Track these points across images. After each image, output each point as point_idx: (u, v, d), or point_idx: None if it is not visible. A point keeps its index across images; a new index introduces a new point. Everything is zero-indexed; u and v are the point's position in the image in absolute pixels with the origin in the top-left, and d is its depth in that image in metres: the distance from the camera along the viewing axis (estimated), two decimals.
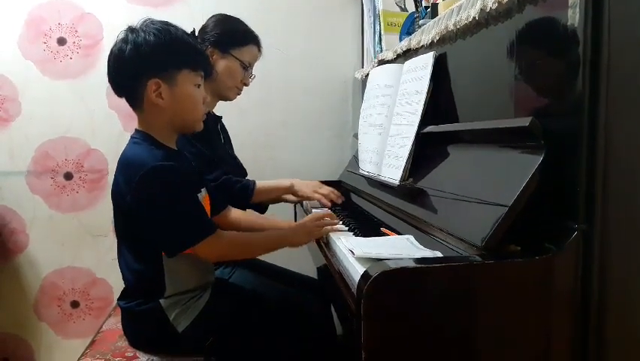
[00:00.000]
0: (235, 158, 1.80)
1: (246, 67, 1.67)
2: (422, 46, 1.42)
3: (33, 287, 2.33)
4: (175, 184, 1.16)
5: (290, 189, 1.73)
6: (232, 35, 1.65)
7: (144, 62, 1.17)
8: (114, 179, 1.22)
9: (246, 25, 1.69)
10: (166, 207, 1.15)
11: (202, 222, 1.19)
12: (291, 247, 1.35)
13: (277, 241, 1.34)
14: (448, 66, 1.28)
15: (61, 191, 2.30)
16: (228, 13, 1.71)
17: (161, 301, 1.21)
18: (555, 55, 0.90)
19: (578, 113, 0.83)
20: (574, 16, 0.82)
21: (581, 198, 0.83)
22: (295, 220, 1.72)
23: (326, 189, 1.70)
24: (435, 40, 1.32)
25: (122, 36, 1.19)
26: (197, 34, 1.59)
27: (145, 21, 1.20)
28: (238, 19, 1.70)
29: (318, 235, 1.33)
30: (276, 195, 1.75)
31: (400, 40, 1.74)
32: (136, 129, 1.25)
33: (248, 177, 1.78)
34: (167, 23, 1.21)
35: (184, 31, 1.25)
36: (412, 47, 1.50)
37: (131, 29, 1.19)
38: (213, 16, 1.69)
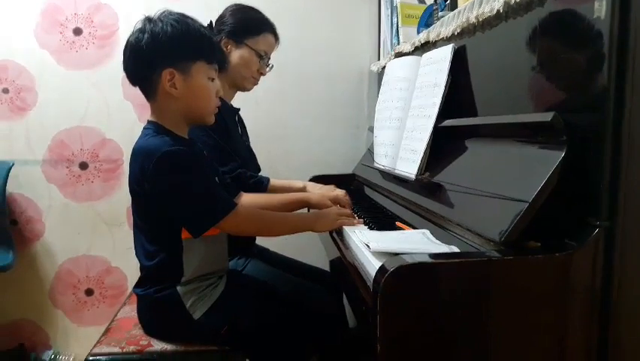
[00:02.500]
0: (251, 151, 1.80)
1: (262, 56, 1.65)
2: (441, 38, 1.40)
3: (49, 275, 2.36)
4: (189, 166, 1.18)
5: (302, 191, 1.73)
6: (247, 25, 1.64)
7: (160, 52, 1.18)
8: (130, 169, 1.24)
9: (262, 14, 1.68)
10: (185, 189, 1.17)
11: (222, 199, 1.22)
12: (313, 232, 1.36)
13: (300, 224, 1.36)
14: (467, 59, 1.27)
15: (77, 180, 2.32)
16: (245, 3, 1.70)
17: (179, 288, 1.24)
18: (579, 49, 0.88)
19: (602, 108, 0.82)
20: (600, 9, 0.81)
21: (604, 195, 0.82)
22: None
23: (336, 194, 1.63)
24: (455, 33, 1.30)
25: (139, 26, 1.20)
26: (213, 25, 1.59)
27: (163, 12, 1.22)
28: (254, 8, 1.69)
29: (340, 225, 1.34)
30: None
31: (418, 32, 1.72)
32: (148, 120, 1.27)
33: (262, 171, 1.79)
34: (184, 15, 1.23)
35: (201, 24, 1.26)
36: (430, 39, 1.48)
37: (148, 19, 1.21)
38: (230, 6, 1.68)
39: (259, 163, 1.83)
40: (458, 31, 1.28)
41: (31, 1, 2.22)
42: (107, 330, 1.38)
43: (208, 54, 1.24)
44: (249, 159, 1.76)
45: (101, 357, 1.25)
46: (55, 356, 2.31)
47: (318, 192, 1.67)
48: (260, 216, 1.31)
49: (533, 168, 0.89)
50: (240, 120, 1.80)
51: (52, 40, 2.25)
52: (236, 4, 1.69)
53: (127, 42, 1.22)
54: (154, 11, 1.22)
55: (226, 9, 1.68)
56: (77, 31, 2.26)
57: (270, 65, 1.71)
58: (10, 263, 2.08)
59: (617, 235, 0.82)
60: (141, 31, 1.19)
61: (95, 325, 2.35)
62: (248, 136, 1.86)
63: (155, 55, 1.18)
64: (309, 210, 1.59)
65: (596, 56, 0.82)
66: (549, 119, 0.85)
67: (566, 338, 0.85)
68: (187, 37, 1.20)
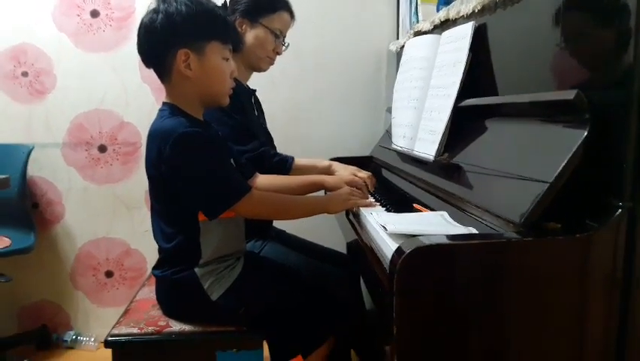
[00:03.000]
0: (268, 133, 1.79)
1: (278, 35, 1.63)
2: (461, 16, 1.37)
3: (69, 257, 2.39)
4: (205, 148, 1.18)
5: (327, 170, 1.70)
6: (261, 3, 1.61)
7: (175, 32, 1.18)
8: (146, 151, 1.24)
9: None
10: (200, 172, 1.17)
11: (237, 182, 1.22)
12: (327, 214, 1.35)
13: (314, 206, 1.36)
14: (487, 37, 1.24)
15: (96, 163, 2.34)
16: None
17: (196, 270, 1.24)
18: (603, 25, 0.86)
19: (626, 85, 0.80)
20: None
21: (627, 175, 0.80)
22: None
23: (364, 174, 1.63)
24: (476, 11, 1.27)
25: (153, 6, 1.20)
26: (228, 5, 1.57)
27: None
28: None
29: (353, 205, 1.33)
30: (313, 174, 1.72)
31: (438, 10, 1.68)
32: (163, 102, 1.27)
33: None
34: None
35: (215, 4, 1.25)
36: (450, 17, 1.45)
37: (162, 0, 1.19)
38: None
39: (276, 145, 1.82)
40: (479, 8, 1.25)
41: None
42: (126, 311, 1.40)
43: (222, 34, 1.24)
44: (267, 142, 1.75)
45: (120, 338, 1.27)
46: (77, 337, 2.35)
47: (341, 173, 1.65)
48: (273, 199, 1.31)
49: (555, 148, 0.87)
50: (257, 102, 1.79)
51: (70, 23, 2.25)
52: None
53: (141, 22, 1.21)
54: None
55: None
56: (94, 14, 2.26)
57: (286, 44, 1.69)
58: (32, 245, 2.12)
59: (639, 217, 0.80)
60: (155, 11, 1.19)
61: (115, 306, 2.39)
62: (265, 118, 1.85)
63: (170, 35, 1.18)
64: (325, 193, 1.59)
65: (621, 31, 0.80)
66: (572, 97, 0.83)
67: (586, 319, 0.84)
68: (201, 17, 1.19)
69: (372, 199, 1.42)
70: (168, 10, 1.17)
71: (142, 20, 1.21)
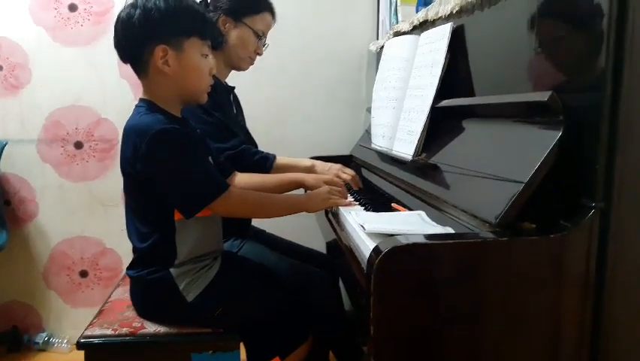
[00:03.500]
0: (247, 130, 1.78)
1: (260, 36, 1.63)
2: (440, 17, 1.38)
3: (43, 256, 2.35)
4: (182, 145, 1.16)
5: (309, 170, 1.69)
6: (245, 3, 1.60)
7: (153, 28, 1.16)
8: (122, 148, 1.22)
9: None
10: (177, 170, 1.16)
11: (215, 180, 1.20)
12: (307, 212, 1.33)
13: (292, 205, 1.34)
14: (465, 38, 1.25)
15: (72, 160, 2.30)
16: None
17: (172, 270, 1.23)
18: (577, 28, 0.87)
19: (599, 88, 0.81)
20: None
21: (600, 176, 0.81)
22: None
23: (348, 174, 1.64)
24: (454, 12, 1.28)
25: (130, 1, 1.18)
26: (209, 2, 1.56)
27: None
28: None
29: (332, 204, 1.33)
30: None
31: (417, 11, 1.69)
32: (140, 98, 1.25)
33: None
34: None
35: (202, 3, 1.23)
36: (429, 18, 1.46)
37: None
38: None
39: (257, 144, 1.81)
40: (457, 9, 1.26)
41: None
42: (100, 312, 1.38)
43: (201, 30, 1.22)
44: (246, 139, 1.74)
45: (93, 339, 1.25)
46: (49, 339, 2.30)
47: (325, 172, 1.65)
48: (251, 198, 1.29)
49: (530, 149, 0.88)
50: (236, 99, 1.78)
51: (47, 16, 2.21)
52: None
53: (118, 17, 1.19)
54: None
55: None
56: (72, 8, 2.22)
57: (266, 45, 1.69)
58: (3, 244, 2.08)
59: (612, 217, 0.81)
60: (133, 6, 1.17)
61: (89, 307, 2.35)
62: (244, 116, 1.83)
63: (147, 31, 1.16)
64: (305, 192, 1.58)
65: (595, 35, 0.81)
66: (545, 98, 0.84)
67: (560, 318, 0.85)
68: (180, 13, 1.18)
69: (351, 199, 1.42)
70: (146, 5, 1.16)
71: (119, 15, 1.19)
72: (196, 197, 1.17)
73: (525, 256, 0.83)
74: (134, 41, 1.19)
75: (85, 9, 2.22)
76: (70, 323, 2.37)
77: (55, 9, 2.21)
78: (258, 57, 1.69)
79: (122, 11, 1.19)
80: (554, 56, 0.93)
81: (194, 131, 1.32)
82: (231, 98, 1.74)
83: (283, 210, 1.33)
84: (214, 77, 1.30)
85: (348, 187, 1.58)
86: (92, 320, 1.33)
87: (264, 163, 1.62)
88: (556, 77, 0.93)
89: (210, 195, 1.17)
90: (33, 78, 2.23)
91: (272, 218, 1.36)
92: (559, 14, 0.92)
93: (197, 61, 1.22)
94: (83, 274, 2.38)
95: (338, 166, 1.68)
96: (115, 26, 1.20)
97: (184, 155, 1.16)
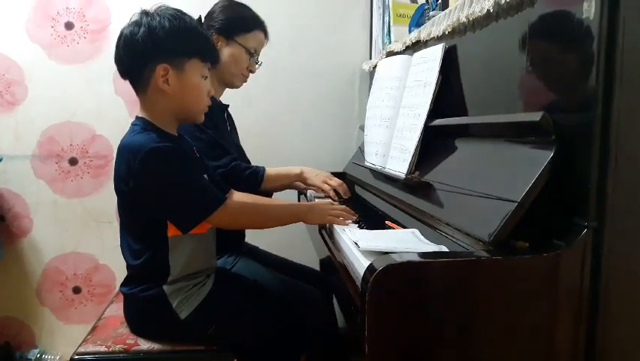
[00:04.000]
0: (240, 148, 1.79)
1: (252, 54, 1.65)
2: (432, 38, 1.40)
3: (36, 272, 2.33)
4: (175, 161, 1.17)
5: (299, 177, 1.72)
6: (237, 22, 1.62)
7: (156, 46, 1.17)
8: (115, 166, 1.23)
9: (252, 11, 1.66)
10: (173, 184, 1.16)
11: (211, 193, 1.21)
12: (303, 225, 1.34)
13: (292, 214, 1.34)
14: (457, 59, 1.26)
15: (66, 176, 2.30)
16: (236, 0, 1.69)
17: (165, 287, 1.22)
18: (568, 49, 0.89)
19: (590, 108, 0.82)
20: (589, 9, 0.81)
21: (592, 196, 0.82)
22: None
23: (335, 182, 1.68)
24: (446, 32, 1.30)
25: (135, 18, 1.19)
26: (203, 21, 1.58)
27: (160, 6, 1.21)
28: (244, 4, 1.68)
29: (331, 221, 1.31)
30: (285, 183, 1.73)
31: (410, 31, 1.72)
32: (137, 116, 1.25)
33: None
34: (181, 12, 1.23)
35: (198, 22, 1.25)
36: (421, 38, 1.48)
37: (145, 13, 1.20)
38: (220, 1, 1.67)
39: (250, 160, 1.82)
40: (449, 30, 1.28)
41: None
42: (94, 329, 1.37)
43: (203, 52, 1.24)
44: (239, 157, 1.75)
45: (87, 356, 1.24)
46: (41, 355, 2.28)
47: (312, 179, 1.69)
48: (249, 208, 1.29)
49: (522, 168, 0.89)
50: (229, 117, 1.79)
51: (44, 34, 2.22)
52: (226, 0, 1.67)
53: (121, 34, 1.20)
54: (146, 6, 1.21)
55: (216, 4, 1.67)
56: (69, 26, 2.23)
57: (259, 63, 1.71)
58: None
59: (604, 236, 0.82)
60: (137, 24, 1.18)
61: (82, 323, 2.33)
62: (237, 133, 1.84)
63: (151, 49, 1.17)
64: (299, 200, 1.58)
65: (585, 56, 0.82)
66: (537, 118, 0.85)
67: (554, 337, 0.85)
68: (184, 34, 1.19)
69: (349, 221, 1.41)
70: (151, 24, 1.17)
71: (122, 32, 1.20)
72: (193, 210, 1.18)
73: (519, 275, 0.83)
74: (136, 58, 1.19)
75: (81, 27, 2.23)
76: (63, 339, 2.35)
77: (52, 27, 2.22)
78: (251, 75, 1.71)
79: (125, 28, 1.20)
80: (545, 76, 0.94)
81: (189, 148, 1.33)
82: (225, 115, 1.75)
83: (282, 219, 1.33)
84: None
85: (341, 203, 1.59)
86: (86, 337, 1.32)
87: (255, 177, 1.63)
88: (548, 96, 0.94)
89: (208, 207, 1.18)
90: (29, 95, 2.24)
91: (270, 228, 1.35)
92: (549, 35, 0.93)
93: (197, 82, 1.23)
94: (76, 290, 2.37)
95: (326, 173, 1.71)
96: (117, 42, 1.21)
97: (178, 170, 1.17)
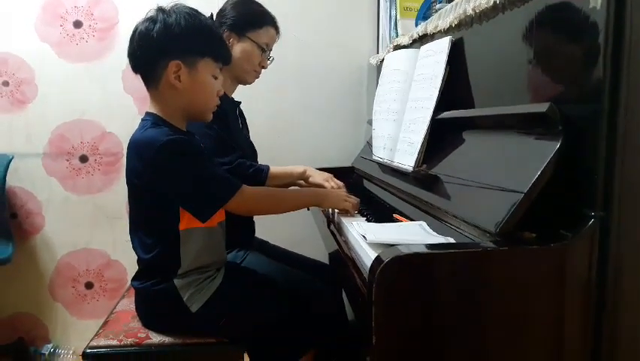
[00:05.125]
0: (251, 144, 1.80)
1: (264, 49, 1.65)
2: (439, 31, 1.40)
3: (48, 268, 2.36)
4: (191, 152, 1.19)
5: (302, 175, 1.74)
6: (249, 18, 1.63)
7: (171, 43, 1.19)
8: (127, 161, 1.24)
9: (263, 7, 1.67)
10: (189, 175, 1.17)
11: (227, 180, 1.22)
12: (320, 207, 1.38)
13: (308, 198, 1.39)
14: (464, 51, 1.26)
15: (77, 173, 2.32)
16: None
17: (176, 280, 1.23)
18: (575, 40, 0.88)
19: (597, 99, 0.82)
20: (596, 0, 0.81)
21: (599, 186, 0.82)
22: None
23: (337, 183, 1.68)
24: (453, 25, 1.30)
25: (151, 14, 1.21)
26: (214, 18, 1.59)
27: (175, 4, 1.23)
28: (254, 1, 1.69)
29: (347, 207, 1.37)
30: (289, 181, 1.74)
31: (416, 25, 1.72)
32: (147, 112, 1.27)
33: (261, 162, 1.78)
34: (196, 11, 1.24)
35: (212, 22, 1.26)
36: (428, 31, 1.48)
37: (161, 10, 1.21)
38: None
39: (259, 156, 1.83)
40: (455, 23, 1.28)
41: None
42: (106, 323, 1.39)
43: (216, 52, 1.25)
44: (250, 153, 1.76)
45: (99, 350, 1.26)
46: (55, 350, 2.31)
47: (315, 178, 1.70)
48: (266, 193, 1.33)
49: (529, 159, 0.89)
50: (241, 113, 1.80)
51: (53, 33, 2.24)
52: None
53: (136, 29, 1.21)
54: (154, 4, 1.22)
55: (227, 2, 1.67)
56: (77, 24, 2.25)
57: (271, 58, 1.71)
58: (9, 257, 2.09)
59: (611, 226, 0.82)
60: (153, 20, 1.19)
61: (94, 318, 2.36)
62: (248, 130, 1.86)
63: (165, 45, 1.19)
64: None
65: (592, 46, 0.82)
66: (544, 110, 0.85)
67: (562, 327, 0.86)
68: (199, 32, 1.21)
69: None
70: (167, 20, 1.18)
71: (137, 27, 1.21)
72: (211, 198, 1.19)
73: (526, 265, 0.83)
74: (149, 53, 1.21)
75: (90, 25, 2.25)
76: (76, 334, 2.39)
77: (61, 26, 2.24)
78: (262, 71, 1.71)
79: (140, 24, 1.21)
80: (552, 67, 0.94)
81: (198, 143, 1.34)
82: (237, 112, 1.76)
83: (299, 203, 1.36)
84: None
85: None
86: (98, 331, 1.33)
87: (259, 175, 1.64)
88: (555, 88, 0.94)
89: (225, 195, 1.19)
90: (39, 93, 2.26)
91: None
92: (556, 26, 0.93)
93: (208, 80, 1.25)
94: (89, 285, 2.40)
95: (327, 175, 1.72)
96: (132, 37, 1.22)
97: (194, 161, 1.18)
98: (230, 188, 1.20)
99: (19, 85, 2.25)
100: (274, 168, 1.70)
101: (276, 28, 1.68)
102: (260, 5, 1.68)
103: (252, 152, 1.80)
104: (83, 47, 2.26)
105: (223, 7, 1.66)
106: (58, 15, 2.24)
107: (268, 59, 1.70)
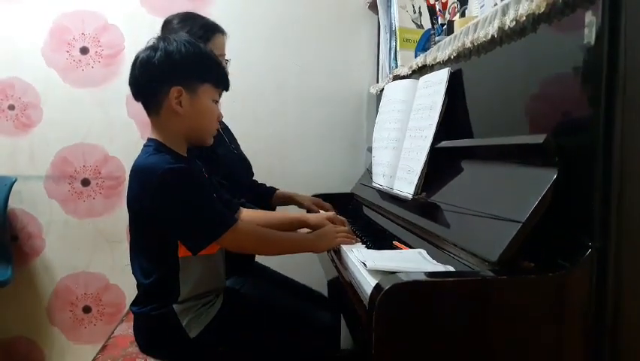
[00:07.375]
0: (245, 158, 1.80)
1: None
2: (438, 62, 1.43)
3: (47, 291, 2.36)
4: (190, 183, 1.19)
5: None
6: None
7: (172, 69, 1.21)
8: (128, 186, 1.25)
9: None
10: (186, 205, 1.18)
11: (222, 215, 1.23)
12: (315, 253, 1.37)
13: (301, 244, 1.36)
14: (462, 82, 1.29)
15: (78, 197, 2.33)
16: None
17: (175, 306, 1.23)
18: (570, 74, 0.90)
19: (593, 130, 0.83)
20: (590, 35, 0.83)
21: (596, 216, 0.83)
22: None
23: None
24: (451, 57, 1.33)
25: (151, 43, 1.24)
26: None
27: (175, 35, 1.28)
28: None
29: (341, 243, 1.34)
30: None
31: (416, 56, 1.75)
32: (149, 138, 1.28)
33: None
34: (195, 41, 1.28)
35: (211, 50, 1.30)
36: (427, 63, 1.51)
37: (162, 38, 1.25)
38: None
39: (260, 180, 1.83)
40: (454, 55, 1.31)
41: (40, 20, 2.27)
42: (104, 347, 1.38)
43: (216, 78, 1.28)
44: (242, 168, 1.76)
45: None
46: None
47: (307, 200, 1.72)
48: (260, 233, 1.31)
49: (527, 189, 0.90)
50: (226, 129, 1.80)
51: (59, 58, 2.29)
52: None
53: (137, 57, 1.24)
54: (158, 32, 1.26)
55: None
56: (84, 51, 2.30)
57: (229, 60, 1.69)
58: (8, 279, 2.09)
59: (609, 256, 0.83)
60: (153, 48, 1.22)
61: (92, 343, 2.34)
62: (237, 143, 1.85)
63: (166, 72, 1.21)
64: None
65: (587, 80, 0.84)
66: (541, 141, 0.86)
67: (561, 356, 0.86)
68: (199, 59, 1.24)
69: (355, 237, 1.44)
70: (168, 48, 1.21)
71: (138, 55, 1.24)
72: (204, 232, 1.19)
73: (524, 295, 0.84)
74: (151, 81, 1.23)
75: (96, 52, 2.29)
76: (73, 358, 2.37)
77: (68, 52, 2.29)
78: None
79: (141, 52, 1.23)
80: (549, 99, 0.96)
81: (199, 169, 1.35)
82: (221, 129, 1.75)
83: (290, 248, 1.35)
84: None
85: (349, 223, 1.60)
86: (96, 356, 1.33)
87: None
88: (551, 119, 0.96)
89: (218, 229, 1.19)
90: (44, 117, 2.29)
91: (278, 255, 1.37)
92: (552, 60, 0.95)
93: (209, 105, 1.27)
94: (87, 309, 2.39)
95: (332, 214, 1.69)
96: (132, 65, 1.25)
97: (192, 192, 1.19)
98: (224, 224, 1.20)
99: (24, 109, 2.28)
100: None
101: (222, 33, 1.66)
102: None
103: (246, 166, 1.80)
104: (88, 73, 2.30)
105: None
106: (65, 41, 2.28)
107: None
